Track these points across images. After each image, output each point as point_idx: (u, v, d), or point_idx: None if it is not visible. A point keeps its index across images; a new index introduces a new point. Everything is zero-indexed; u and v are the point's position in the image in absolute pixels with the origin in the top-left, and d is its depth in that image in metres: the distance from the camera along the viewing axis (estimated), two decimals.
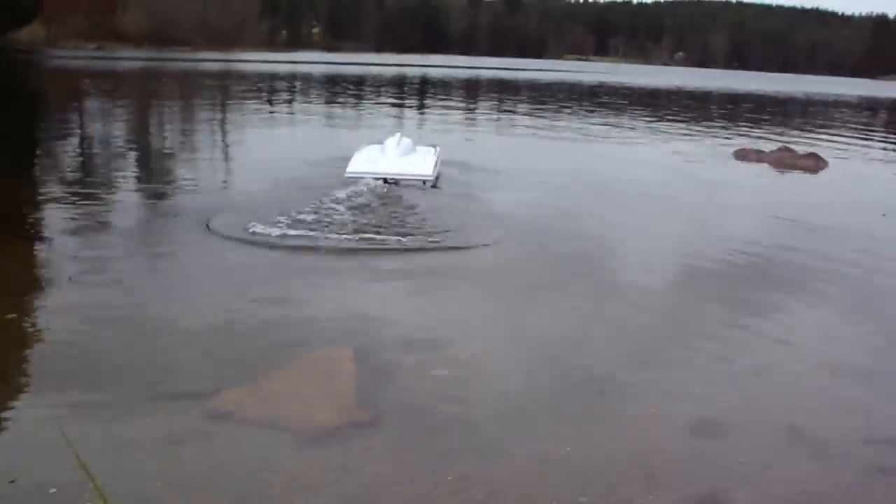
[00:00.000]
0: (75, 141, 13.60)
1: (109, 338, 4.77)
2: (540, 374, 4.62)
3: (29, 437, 3.60)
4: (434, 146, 11.43)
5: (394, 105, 24.22)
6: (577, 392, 4.40)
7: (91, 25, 68.29)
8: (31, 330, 4.88)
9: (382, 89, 33.43)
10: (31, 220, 7.75)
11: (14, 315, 5.03)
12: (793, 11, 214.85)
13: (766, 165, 13.73)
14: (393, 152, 10.78)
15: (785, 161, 14.03)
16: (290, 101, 24.68)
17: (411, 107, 24.23)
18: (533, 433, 3.87)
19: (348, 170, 10.14)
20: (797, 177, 12.90)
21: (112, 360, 4.44)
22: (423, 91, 34.36)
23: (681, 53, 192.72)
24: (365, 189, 9.27)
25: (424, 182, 10.08)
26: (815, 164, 13.94)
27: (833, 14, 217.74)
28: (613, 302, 6.11)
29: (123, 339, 4.75)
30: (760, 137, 18.78)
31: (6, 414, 3.79)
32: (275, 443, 3.61)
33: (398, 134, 11.61)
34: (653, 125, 21.66)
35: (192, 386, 4.13)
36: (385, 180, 9.79)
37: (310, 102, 24.52)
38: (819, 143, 18.48)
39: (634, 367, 4.78)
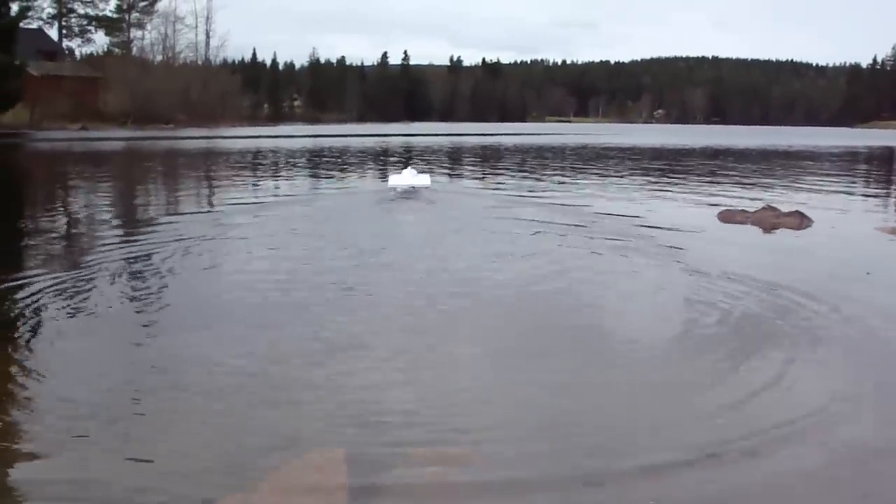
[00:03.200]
0: (56, 223, 13.60)
1: (88, 439, 4.70)
2: (535, 467, 4.54)
3: None
4: (427, 175, 20.39)
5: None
6: (574, 487, 4.33)
7: (74, 106, 68.81)
8: None
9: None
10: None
11: None
12: (769, 64, 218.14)
13: (751, 226, 13.77)
14: (409, 176, 19.29)
15: (770, 220, 14.07)
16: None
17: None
18: None
19: (390, 184, 19.13)
20: (783, 236, 12.93)
21: (92, 465, 4.37)
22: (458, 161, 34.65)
23: (661, 111, 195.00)
24: (401, 190, 18.52)
25: (427, 187, 18.81)
26: (799, 221, 13.98)
27: (808, 65, 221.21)
28: (599, 380, 6.06)
29: (109, 435, 4.69)
30: (744, 196, 18.86)
31: None
32: None
33: (410, 168, 20.45)
34: (634, 186, 21.74)
35: (180, 498, 4.06)
36: (413, 187, 18.66)
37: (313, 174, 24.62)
38: (802, 198, 18.59)
39: (628, 452, 4.73)
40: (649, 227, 13.37)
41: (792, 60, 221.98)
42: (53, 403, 5.27)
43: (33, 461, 4.44)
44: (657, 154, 43.30)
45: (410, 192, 18.41)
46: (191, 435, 4.82)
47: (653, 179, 24.64)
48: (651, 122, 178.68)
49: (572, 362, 6.49)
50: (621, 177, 25.57)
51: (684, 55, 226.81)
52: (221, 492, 4.07)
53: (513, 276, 9.63)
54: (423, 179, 19.28)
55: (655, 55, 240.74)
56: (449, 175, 26.11)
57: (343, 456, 4.40)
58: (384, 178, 21.63)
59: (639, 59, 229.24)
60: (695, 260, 10.51)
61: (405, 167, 21.27)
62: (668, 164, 34.04)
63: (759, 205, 15.67)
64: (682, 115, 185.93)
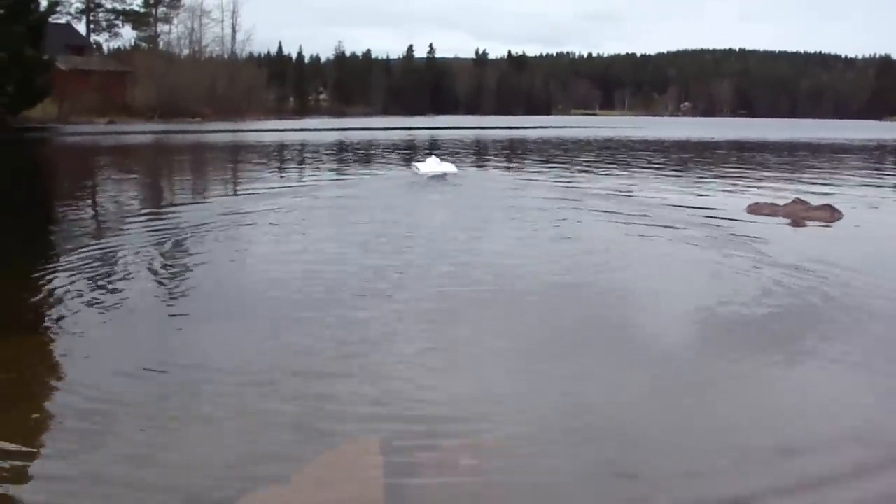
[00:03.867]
0: (82, 214, 13.68)
1: (122, 432, 4.74)
2: (568, 458, 4.55)
3: None
4: (453, 163, 23.17)
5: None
6: (607, 478, 4.33)
7: (102, 101, 69.14)
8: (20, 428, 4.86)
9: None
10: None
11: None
12: (797, 56, 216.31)
13: (780, 219, 13.67)
14: (434, 163, 21.42)
15: (799, 214, 13.99)
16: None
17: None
18: None
19: (420, 170, 21.07)
20: (813, 230, 12.85)
21: (128, 459, 4.41)
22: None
23: (687, 103, 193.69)
24: (429, 176, 20.25)
25: (455, 174, 20.90)
26: (829, 215, 13.89)
27: (837, 57, 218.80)
28: (630, 370, 6.05)
29: (140, 428, 4.73)
30: (772, 189, 18.73)
31: None
32: None
33: (434, 157, 22.50)
34: (661, 180, 21.64)
35: (218, 489, 4.09)
36: (443, 173, 20.63)
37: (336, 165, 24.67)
38: (831, 191, 18.45)
39: (658, 445, 4.73)
40: (677, 222, 13.32)
41: (820, 52, 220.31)
42: (80, 394, 5.30)
43: (59, 454, 4.47)
44: (684, 147, 43.12)
45: (438, 178, 20.15)
46: (223, 427, 4.84)
47: (679, 172, 24.51)
48: (677, 115, 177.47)
49: (609, 354, 6.48)
50: (647, 169, 25.44)
51: (711, 47, 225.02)
52: (256, 483, 4.09)
53: (547, 265, 9.64)
54: (449, 167, 21.67)
55: (682, 47, 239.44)
56: (479, 165, 26.14)
57: (378, 446, 4.41)
58: (410, 166, 23.44)
59: (665, 51, 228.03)
60: (727, 251, 10.48)
61: (429, 156, 23.01)
62: (694, 157, 33.89)
63: (788, 198, 15.56)
64: (709, 108, 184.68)
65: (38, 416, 5.06)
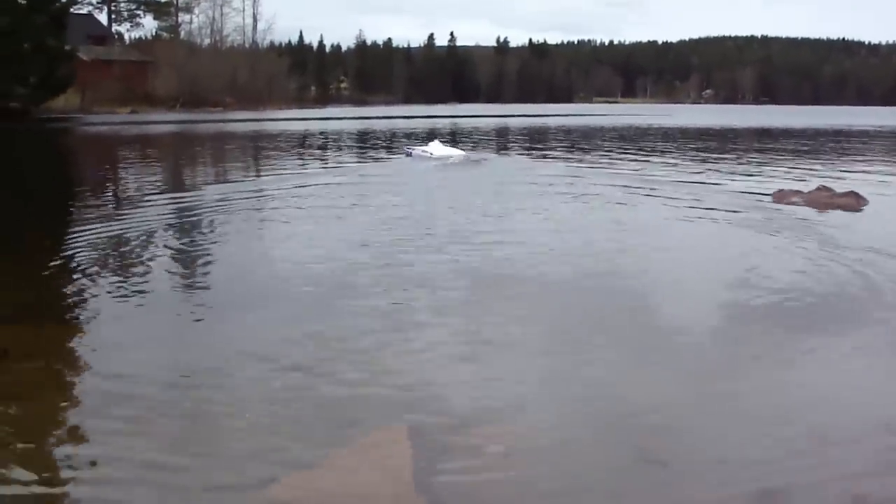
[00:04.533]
0: (103, 201, 13.72)
1: (153, 419, 4.76)
2: (595, 444, 4.55)
3: None
4: (459, 148, 24.87)
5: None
6: (635, 465, 4.32)
7: (124, 90, 69.43)
8: (52, 416, 4.88)
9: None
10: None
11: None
12: (819, 43, 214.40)
13: (806, 206, 13.58)
14: (440, 146, 23.35)
15: (824, 201, 13.89)
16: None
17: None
18: None
19: (429, 154, 22.66)
20: (839, 217, 12.74)
21: (159, 445, 4.43)
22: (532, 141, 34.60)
23: (709, 91, 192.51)
24: (436, 157, 22.25)
25: (462, 157, 22.61)
26: (855, 202, 13.79)
27: (860, 44, 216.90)
28: (658, 357, 6.04)
29: (171, 417, 4.75)
30: (797, 176, 18.62)
31: None
32: None
33: (437, 140, 24.68)
34: (684, 167, 21.53)
35: (250, 473, 4.10)
36: (450, 157, 22.28)
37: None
38: (856, 178, 18.31)
39: (687, 433, 4.71)
40: (704, 208, 13.28)
41: (843, 38, 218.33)
42: (108, 383, 5.35)
43: (90, 442, 4.50)
44: (706, 134, 42.88)
45: (446, 161, 21.85)
46: (252, 414, 4.85)
47: (703, 159, 24.38)
48: (699, 103, 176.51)
49: (638, 341, 6.47)
50: (673, 156, 25.32)
51: (733, 34, 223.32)
52: (286, 470, 4.10)
53: (574, 251, 9.64)
54: (454, 150, 23.64)
55: (704, 34, 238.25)
56: (503, 152, 26.11)
57: (406, 434, 4.42)
58: (408, 151, 24.58)
59: (687, 38, 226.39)
60: (755, 238, 10.44)
61: (431, 140, 25.51)
62: (717, 145, 33.71)
63: (813, 185, 15.46)
64: (731, 95, 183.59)
65: (67, 404, 5.10)
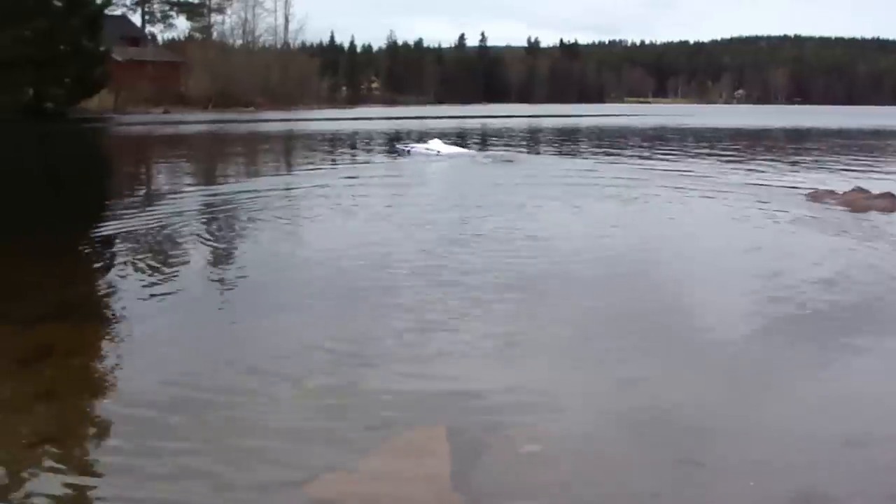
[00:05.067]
0: (136, 199, 13.80)
1: (191, 417, 4.80)
2: (630, 444, 4.54)
3: None
4: (457, 145, 25.87)
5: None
6: (671, 465, 4.31)
7: (157, 91, 69.92)
8: (95, 413, 4.94)
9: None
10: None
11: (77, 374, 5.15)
12: (853, 42, 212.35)
13: (841, 207, 13.48)
14: (439, 143, 24.54)
15: (860, 202, 13.78)
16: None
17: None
18: None
19: (431, 148, 23.85)
20: (876, 218, 12.63)
21: (196, 443, 4.46)
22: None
23: (741, 91, 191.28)
24: (443, 154, 23.39)
25: (468, 155, 23.76)
26: (891, 204, 13.67)
27: (895, 42, 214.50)
28: (690, 357, 6.03)
29: (207, 416, 4.78)
30: (831, 178, 18.48)
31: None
32: None
33: (437, 139, 25.64)
34: (718, 167, 21.40)
35: (290, 471, 4.13)
36: (438, 153, 23.41)
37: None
38: (893, 179, 18.14)
39: (723, 433, 4.69)
40: (739, 208, 13.21)
41: (878, 38, 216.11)
42: (149, 383, 5.39)
43: (132, 440, 4.53)
44: (739, 135, 42.61)
45: (444, 158, 23.10)
46: (290, 414, 4.89)
47: (736, 160, 24.23)
48: (731, 103, 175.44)
49: (673, 340, 6.46)
50: (706, 157, 25.17)
51: (766, 34, 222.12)
52: (325, 469, 4.13)
53: (609, 246, 9.64)
54: (458, 149, 25.30)
55: (736, 34, 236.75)
56: (536, 151, 26.10)
57: (444, 433, 4.43)
58: (406, 148, 25.66)
59: (719, 38, 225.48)
60: (791, 239, 10.39)
61: (432, 138, 26.97)
62: (750, 145, 33.47)
63: (848, 186, 15.34)
64: (763, 96, 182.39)
65: (107, 401, 5.15)
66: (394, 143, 28.41)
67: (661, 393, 5.33)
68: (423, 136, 30.38)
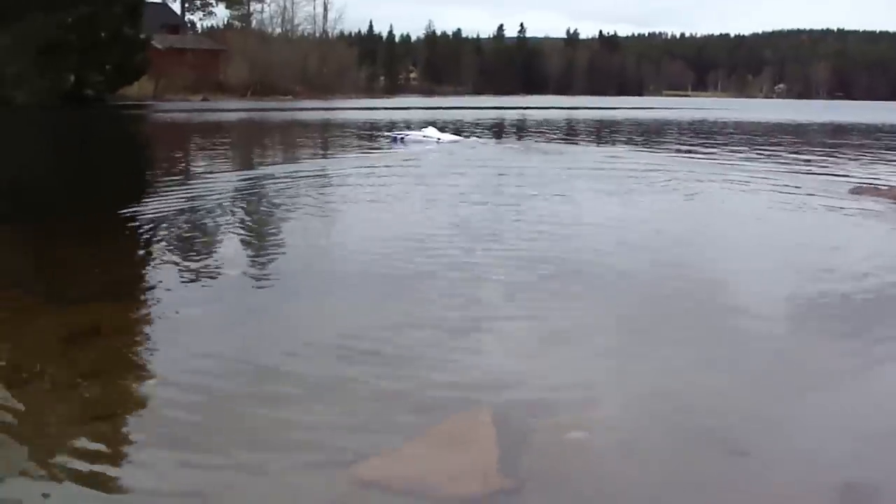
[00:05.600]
0: (175, 184, 13.88)
1: (234, 400, 4.82)
2: (675, 433, 4.52)
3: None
4: (456, 133, 26.76)
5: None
6: (717, 456, 4.28)
7: (196, 78, 70.37)
8: (142, 392, 4.98)
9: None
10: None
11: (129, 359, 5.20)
12: None
13: (886, 202, 13.32)
14: (435, 131, 25.19)
15: None
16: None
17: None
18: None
19: (429, 136, 24.54)
20: None
21: (252, 424, 4.49)
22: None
23: (782, 85, 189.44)
24: (444, 142, 23.84)
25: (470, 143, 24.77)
26: None
27: None
28: (736, 348, 5.98)
29: (248, 402, 4.80)
30: (874, 173, 18.27)
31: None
32: None
33: (431, 126, 26.54)
34: (759, 163, 21.21)
35: (338, 453, 4.15)
36: (438, 140, 24.08)
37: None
38: None
39: (768, 425, 4.66)
40: (781, 202, 13.10)
41: None
42: (194, 365, 5.43)
43: (175, 423, 4.55)
44: (780, 129, 42.21)
45: (444, 145, 23.64)
46: (333, 398, 4.91)
47: (777, 154, 24.02)
48: (771, 97, 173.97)
49: (720, 331, 6.43)
50: (746, 151, 24.96)
51: (807, 27, 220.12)
52: (371, 451, 4.13)
53: (654, 236, 9.61)
54: (454, 136, 25.97)
55: (777, 28, 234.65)
56: (575, 141, 26.03)
57: (490, 418, 4.43)
58: (417, 133, 26.12)
59: (759, 31, 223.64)
60: (836, 233, 10.30)
61: (426, 126, 27.66)
62: (791, 140, 33.16)
63: (893, 181, 15.18)
64: (805, 90, 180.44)
65: (152, 381, 5.17)
66: (385, 131, 28.27)
67: (705, 382, 5.30)
68: (409, 125, 30.43)
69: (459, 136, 26.79)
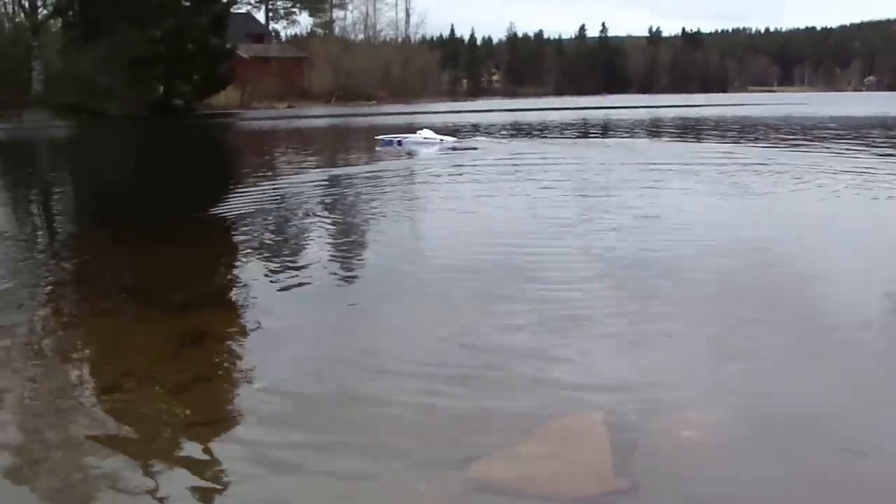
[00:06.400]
0: (262, 191, 14.03)
1: (348, 403, 4.83)
2: (788, 433, 4.42)
3: None
4: (449, 136, 25.71)
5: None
6: (833, 455, 4.20)
7: (281, 86, 71.34)
8: (242, 381, 5.02)
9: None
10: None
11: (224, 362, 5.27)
12: None
13: None
14: (429, 133, 25.39)
15: None
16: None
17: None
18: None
19: (424, 136, 24.88)
20: None
21: (358, 428, 4.49)
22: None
23: (871, 77, 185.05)
24: (446, 145, 23.81)
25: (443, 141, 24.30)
26: None
27: None
28: (849, 348, 5.84)
29: (360, 405, 4.80)
30: None
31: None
32: None
33: (426, 129, 26.15)
34: (851, 156, 20.73)
35: (450, 453, 4.14)
36: (441, 140, 24.39)
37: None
38: None
39: (882, 425, 4.53)
40: (870, 199, 12.79)
41: None
42: (292, 372, 5.49)
43: (280, 427, 4.60)
44: (871, 124, 41.23)
45: (447, 147, 23.79)
46: (441, 400, 4.90)
47: (870, 148, 23.45)
48: (860, 90, 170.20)
49: (827, 332, 6.27)
50: (835, 146, 24.41)
51: None
52: (482, 452, 4.10)
53: (749, 235, 9.45)
54: (452, 138, 25.54)
55: (867, 18, 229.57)
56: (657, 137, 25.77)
57: (601, 419, 4.37)
58: (418, 135, 25.62)
59: (848, 23, 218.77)
60: None
61: (420, 129, 26.65)
62: (882, 133, 32.35)
63: None
64: (895, 82, 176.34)
65: (258, 386, 5.21)
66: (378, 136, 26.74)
67: (813, 380, 5.21)
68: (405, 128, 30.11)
69: (454, 137, 26.50)
